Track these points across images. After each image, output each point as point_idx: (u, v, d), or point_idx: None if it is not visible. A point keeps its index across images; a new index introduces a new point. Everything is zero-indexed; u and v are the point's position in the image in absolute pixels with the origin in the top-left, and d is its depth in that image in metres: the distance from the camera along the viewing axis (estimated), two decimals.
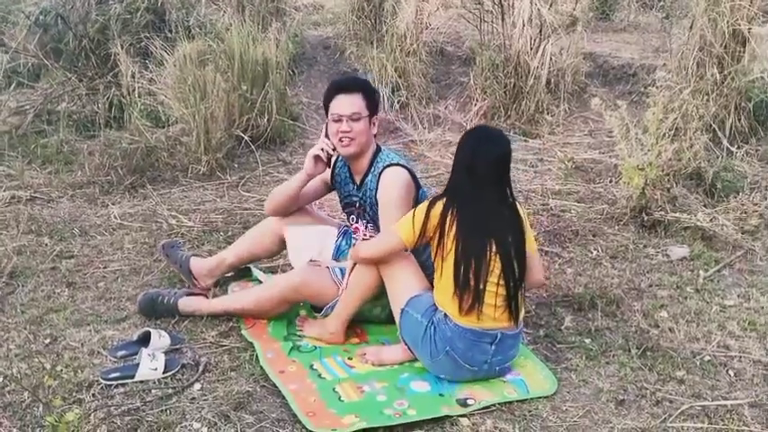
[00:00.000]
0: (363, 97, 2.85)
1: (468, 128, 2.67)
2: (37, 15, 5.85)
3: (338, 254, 3.12)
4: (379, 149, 2.94)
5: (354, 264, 2.76)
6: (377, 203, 2.84)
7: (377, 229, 2.91)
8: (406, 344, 2.64)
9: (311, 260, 2.98)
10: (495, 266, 2.49)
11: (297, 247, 3.07)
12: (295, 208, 3.13)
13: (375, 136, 2.95)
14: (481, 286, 2.47)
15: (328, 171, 3.07)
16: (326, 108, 2.89)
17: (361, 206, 2.98)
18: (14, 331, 2.86)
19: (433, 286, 2.62)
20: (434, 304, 2.56)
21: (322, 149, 2.91)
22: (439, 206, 2.52)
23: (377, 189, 2.84)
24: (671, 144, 3.89)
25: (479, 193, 2.52)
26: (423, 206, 2.55)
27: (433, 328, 2.51)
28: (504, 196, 2.57)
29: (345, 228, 3.20)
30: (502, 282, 2.49)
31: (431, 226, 2.51)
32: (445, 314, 2.52)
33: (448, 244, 2.49)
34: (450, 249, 2.48)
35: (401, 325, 2.62)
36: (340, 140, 2.85)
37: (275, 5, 6.51)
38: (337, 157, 3.05)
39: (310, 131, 5.57)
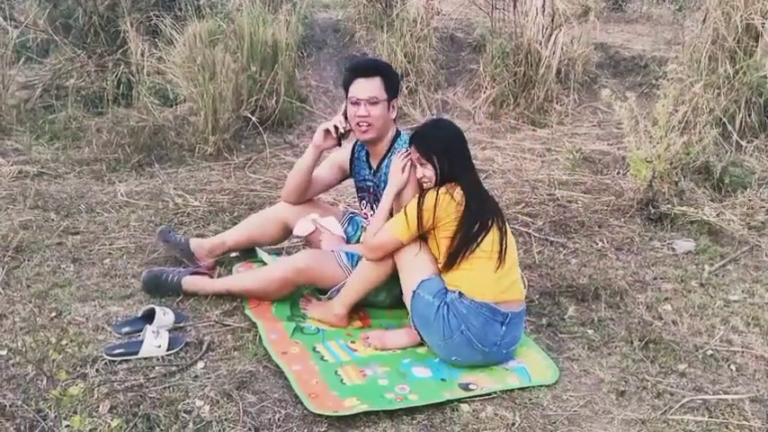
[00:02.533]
0: (382, 81, 2.84)
1: (426, 126, 2.82)
2: None
3: (344, 239, 3.11)
4: (398, 134, 2.94)
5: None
6: None
7: (389, 214, 2.90)
8: (416, 328, 2.64)
9: (314, 220, 3.02)
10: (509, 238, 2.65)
11: (301, 220, 3.08)
12: (310, 193, 3.12)
13: (395, 120, 2.94)
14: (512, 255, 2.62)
15: (346, 156, 3.07)
16: (346, 90, 2.89)
17: (374, 191, 2.98)
18: (20, 305, 2.88)
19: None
20: (445, 287, 2.57)
21: (335, 126, 2.92)
22: (431, 199, 2.56)
23: None
24: (680, 137, 3.87)
25: (467, 175, 2.64)
26: (414, 203, 2.60)
27: (446, 307, 2.53)
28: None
29: (351, 214, 3.21)
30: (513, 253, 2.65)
31: (427, 219, 2.56)
32: (460, 292, 2.53)
33: (459, 227, 2.55)
34: (467, 232, 2.55)
35: (412, 307, 2.62)
36: (358, 125, 2.85)
37: None
38: (356, 142, 3.05)
39: (318, 114, 5.56)
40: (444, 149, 2.64)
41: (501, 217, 2.64)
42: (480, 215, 2.57)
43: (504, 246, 2.58)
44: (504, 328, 2.54)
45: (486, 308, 2.52)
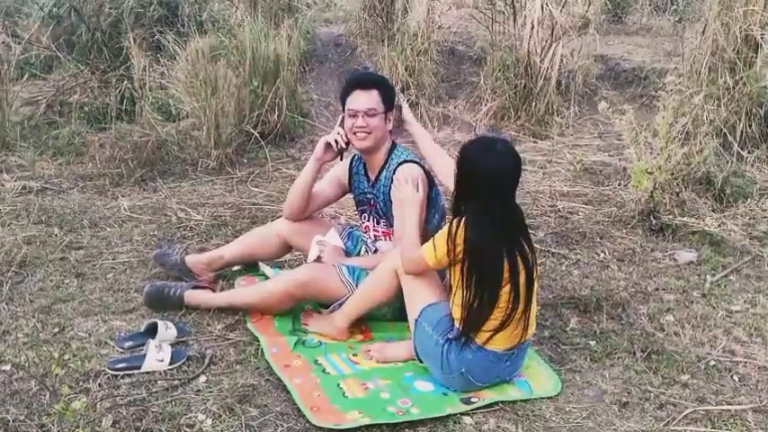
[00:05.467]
0: (379, 93, 2.86)
1: (471, 141, 2.60)
2: (50, 7, 5.89)
3: (345, 253, 3.12)
4: (394, 146, 2.95)
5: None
6: (391, 200, 2.85)
7: (389, 225, 2.92)
8: (417, 353, 2.60)
9: (318, 241, 3.02)
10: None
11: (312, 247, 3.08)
12: (310, 209, 3.13)
13: (390, 132, 2.96)
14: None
15: (344, 172, 3.09)
16: (343, 103, 2.91)
17: (374, 203, 2.99)
18: (23, 320, 2.89)
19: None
20: (450, 320, 2.49)
21: (335, 140, 2.94)
22: (461, 231, 2.40)
23: (391, 185, 2.85)
24: (680, 148, 3.88)
25: (500, 207, 2.44)
26: (444, 230, 2.46)
27: (447, 344, 2.46)
28: (514, 202, 2.53)
29: (351, 229, 3.22)
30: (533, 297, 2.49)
31: (452, 250, 2.42)
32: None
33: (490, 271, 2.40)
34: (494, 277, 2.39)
35: (414, 335, 2.60)
36: (355, 134, 2.87)
37: (287, 2, 6.52)
38: (353, 157, 3.07)
39: (320, 128, 5.58)
40: (462, 174, 2.47)
41: (516, 261, 2.41)
42: (485, 276, 2.38)
43: (524, 290, 2.42)
44: (508, 363, 2.51)
45: (492, 355, 2.46)
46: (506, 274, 2.39)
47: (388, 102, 2.89)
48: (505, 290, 2.40)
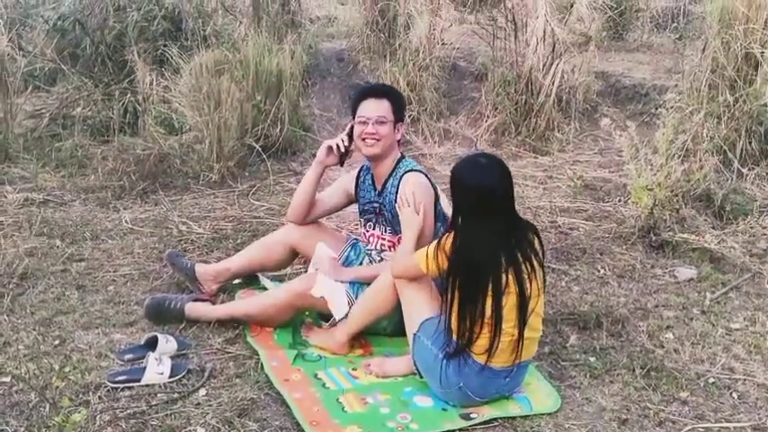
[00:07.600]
0: (390, 103, 2.93)
1: (458, 161, 2.62)
2: (55, 20, 5.93)
3: (346, 264, 3.14)
4: (402, 157, 3.00)
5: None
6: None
7: (395, 233, 2.95)
8: (416, 368, 2.61)
9: (314, 263, 3.04)
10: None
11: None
12: (314, 214, 3.18)
13: (399, 143, 3.00)
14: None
15: (351, 181, 3.13)
16: (354, 111, 2.97)
17: (380, 212, 3.02)
18: (24, 332, 2.90)
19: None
20: (449, 334, 2.48)
21: (337, 144, 3.00)
22: (449, 243, 2.45)
23: (397, 193, 2.88)
24: (680, 165, 3.89)
25: (493, 222, 2.44)
26: (434, 244, 2.50)
27: (446, 360, 2.47)
28: (514, 219, 2.53)
29: (354, 240, 3.23)
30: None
31: (443, 259, 2.46)
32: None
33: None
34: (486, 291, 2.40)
35: (413, 349, 2.60)
36: (364, 140, 2.91)
37: (290, 17, 6.57)
38: (361, 167, 3.11)
39: (321, 142, 5.60)
40: (456, 190, 2.52)
41: (502, 276, 2.39)
42: (467, 284, 2.40)
43: (514, 313, 2.41)
44: (507, 379, 2.51)
45: (489, 371, 2.46)
46: (490, 291, 2.38)
47: (398, 113, 2.95)
48: (488, 306, 2.39)
